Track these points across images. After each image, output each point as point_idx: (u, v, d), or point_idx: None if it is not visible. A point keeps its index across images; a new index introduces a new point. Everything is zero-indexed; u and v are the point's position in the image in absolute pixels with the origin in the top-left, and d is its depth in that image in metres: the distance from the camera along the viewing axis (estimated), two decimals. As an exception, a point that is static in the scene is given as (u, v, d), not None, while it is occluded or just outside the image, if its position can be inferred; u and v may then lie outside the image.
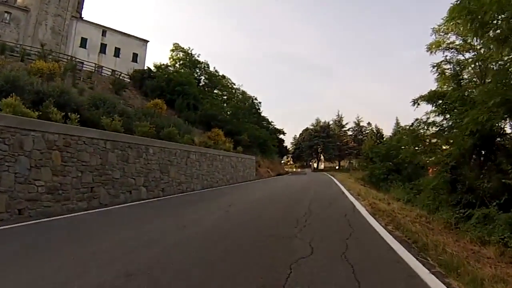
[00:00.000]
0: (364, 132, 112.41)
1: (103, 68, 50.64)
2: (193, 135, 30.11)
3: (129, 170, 16.18)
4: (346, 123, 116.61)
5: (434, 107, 19.90)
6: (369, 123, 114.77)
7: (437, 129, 19.82)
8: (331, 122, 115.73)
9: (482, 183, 13.80)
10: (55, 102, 16.83)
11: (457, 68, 19.85)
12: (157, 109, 33.81)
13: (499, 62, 13.80)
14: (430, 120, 20.12)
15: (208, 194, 20.11)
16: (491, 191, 13.30)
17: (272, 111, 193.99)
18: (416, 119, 20.84)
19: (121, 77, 45.61)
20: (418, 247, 6.85)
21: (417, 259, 6.00)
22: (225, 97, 72.93)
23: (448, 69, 21.15)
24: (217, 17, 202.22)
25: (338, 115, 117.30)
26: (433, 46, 21.84)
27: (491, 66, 17.41)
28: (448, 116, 18.47)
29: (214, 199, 17.25)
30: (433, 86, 22.07)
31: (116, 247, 6.86)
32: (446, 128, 18.30)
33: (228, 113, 59.53)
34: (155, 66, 54.47)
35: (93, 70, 46.36)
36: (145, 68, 55.84)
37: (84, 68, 44.80)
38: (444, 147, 19.67)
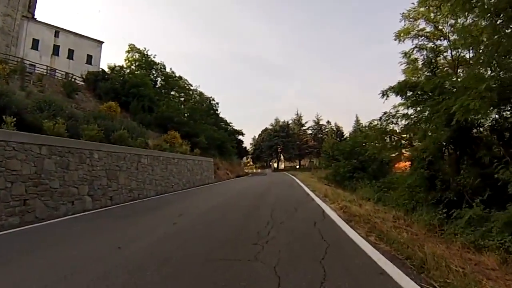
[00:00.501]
0: (324, 131, 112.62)
1: (56, 70, 47.86)
2: (148, 138, 28.25)
3: (70, 178, 14.14)
4: (306, 122, 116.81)
5: (403, 99, 18.58)
6: (328, 122, 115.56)
7: (407, 122, 18.56)
8: (290, 122, 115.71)
9: (462, 179, 12.49)
10: (-9, 105, 15.03)
11: (431, 55, 18.37)
12: (111, 112, 31.97)
13: (486, 42, 12.47)
14: (399, 114, 18.84)
15: (161, 201, 18.09)
16: (472, 187, 12.01)
17: (231, 113, 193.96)
18: (385, 113, 19.47)
19: (74, 80, 43.35)
20: (414, 265, 5.21)
21: (421, 287, 4.40)
22: (182, 99, 70.73)
23: (417, 58, 19.94)
24: (173, 17, 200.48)
25: (297, 114, 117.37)
26: (402, 34, 20.48)
27: (464, 54, 16.32)
28: (419, 108, 17.13)
29: (166, 207, 15.17)
30: (394, 81, 20.92)
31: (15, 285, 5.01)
32: (421, 120, 16.90)
33: (186, 115, 57.11)
34: (109, 68, 52.40)
35: (45, 73, 43.86)
36: (100, 70, 53.27)
37: (36, 71, 42.45)
38: (414, 142, 18.50)
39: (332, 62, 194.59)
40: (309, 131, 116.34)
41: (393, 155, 22.18)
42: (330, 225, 8.82)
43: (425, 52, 18.76)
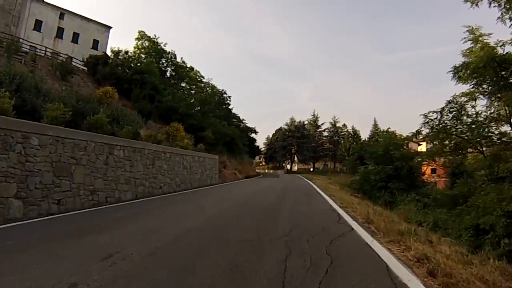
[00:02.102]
0: (340, 134, 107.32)
1: (60, 54, 43.39)
2: (141, 127, 23.51)
3: (-18, 171, 9.18)
4: (322, 124, 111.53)
5: (473, 86, 13.44)
6: (344, 125, 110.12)
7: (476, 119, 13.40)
8: (306, 122, 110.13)
9: None
10: None
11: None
12: (107, 98, 28.07)
13: None
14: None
15: (120, 213, 12.12)
16: None
17: (245, 112, 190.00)
18: (449, 102, 14.39)
19: (73, 63, 39.90)
20: None
21: None
22: (193, 92, 65.27)
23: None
24: (190, 14, 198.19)
25: (314, 115, 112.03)
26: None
27: None
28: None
29: (109, 229, 9.07)
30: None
31: None
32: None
33: (197, 108, 52.42)
34: (113, 52, 47.57)
35: (43, 55, 39.91)
36: (103, 54, 48.33)
37: (37, 53, 38.57)
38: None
39: (348, 66, 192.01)
40: (325, 133, 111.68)
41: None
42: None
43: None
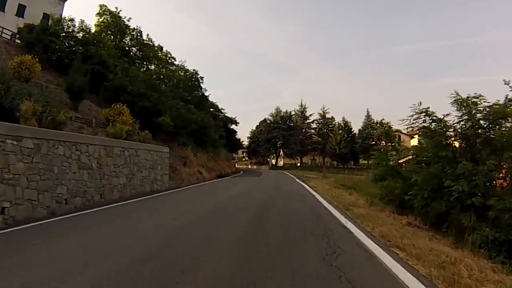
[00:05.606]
0: (330, 126, 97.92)
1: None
2: (32, 100, 13.41)
3: None
4: (310, 115, 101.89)
5: None
6: (332, 117, 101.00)
7: None
8: (293, 113, 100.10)
9: None
10: None
11: None
12: (23, 69, 21.44)
13: None
14: None
15: None
16: None
17: (229, 108, 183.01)
18: None
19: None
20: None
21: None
22: (163, 75, 54.39)
23: None
24: (175, 9, 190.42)
25: (301, 105, 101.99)
26: None
27: None
28: None
29: None
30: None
31: None
32: None
33: (170, 94, 41.98)
34: (54, 20, 37.40)
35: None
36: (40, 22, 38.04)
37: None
38: None
39: (335, 61, 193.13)
40: (314, 125, 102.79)
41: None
42: None
43: None
